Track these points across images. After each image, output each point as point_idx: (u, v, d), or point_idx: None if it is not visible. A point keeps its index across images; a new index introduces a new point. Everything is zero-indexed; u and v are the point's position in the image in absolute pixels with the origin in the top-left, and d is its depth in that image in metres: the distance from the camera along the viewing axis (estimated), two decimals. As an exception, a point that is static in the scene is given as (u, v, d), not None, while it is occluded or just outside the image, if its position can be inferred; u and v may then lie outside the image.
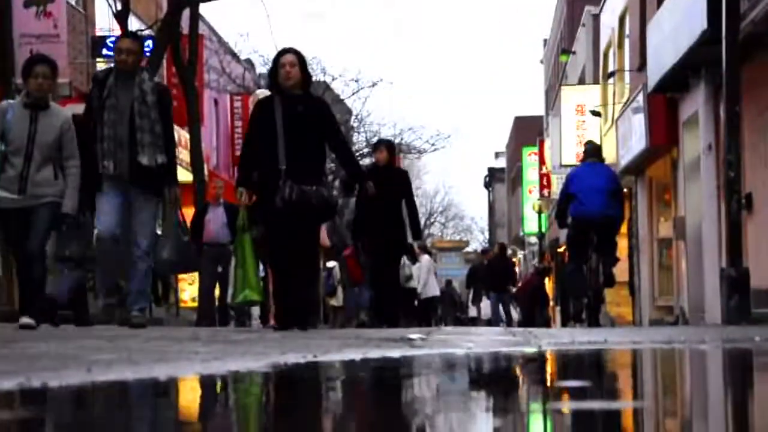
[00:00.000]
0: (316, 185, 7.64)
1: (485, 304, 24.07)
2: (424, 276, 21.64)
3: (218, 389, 3.55)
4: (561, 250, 31.56)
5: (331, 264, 24.14)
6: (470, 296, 28.64)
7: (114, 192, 7.77)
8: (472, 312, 28.71)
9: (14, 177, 7.36)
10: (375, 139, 33.12)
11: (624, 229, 21.41)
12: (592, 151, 12.02)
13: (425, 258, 22.50)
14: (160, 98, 7.85)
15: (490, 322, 23.10)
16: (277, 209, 7.54)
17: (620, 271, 21.51)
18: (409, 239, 11.23)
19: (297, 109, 7.73)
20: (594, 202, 11.25)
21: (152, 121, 7.73)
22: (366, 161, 36.97)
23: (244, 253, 8.86)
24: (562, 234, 22.76)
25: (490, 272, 21.94)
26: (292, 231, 7.56)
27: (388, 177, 10.52)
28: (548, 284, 34.76)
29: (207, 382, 3.61)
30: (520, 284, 27.46)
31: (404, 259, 19.83)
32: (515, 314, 24.32)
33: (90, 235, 8.80)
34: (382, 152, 10.95)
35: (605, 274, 11.43)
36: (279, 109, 7.70)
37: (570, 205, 11.50)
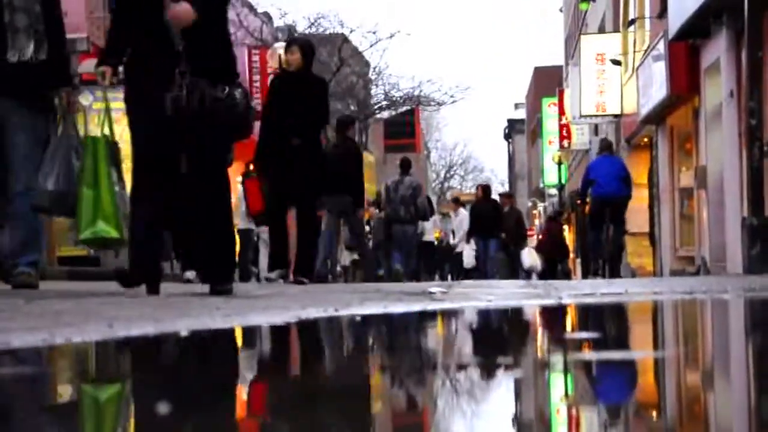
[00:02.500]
0: (228, 85, 5.41)
1: (467, 253, 21.39)
2: (465, 228, 21.39)
3: (240, 342, 3.57)
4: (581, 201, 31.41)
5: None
6: None
7: None
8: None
9: None
10: (393, 92, 33.31)
11: (645, 179, 21.46)
12: (606, 146, 16.50)
13: (462, 211, 22.41)
14: None
15: (468, 273, 20.40)
16: (161, 117, 5.28)
17: (641, 222, 21.55)
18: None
19: None
20: (610, 186, 15.31)
21: None
22: (384, 114, 36.93)
23: (96, 167, 5.74)
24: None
25: (474, 217, 19.78)
26: (186, 155, 5.47)
27: (299, 86, 8.52)
28: (568, 235, 34.62)
29: (228, 336, 3.63)
30: (540, 236, 27.03)
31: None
32: (527, 261, 22.84)
33: None
34: (293, 53, 8.87)
35: (616, 243, 15.69)
36: None
37: (590, 188, 15.57)
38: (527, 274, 22.16)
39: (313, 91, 8.75)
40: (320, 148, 8.90)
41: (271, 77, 11.33)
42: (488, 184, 24.02)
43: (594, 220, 15.97)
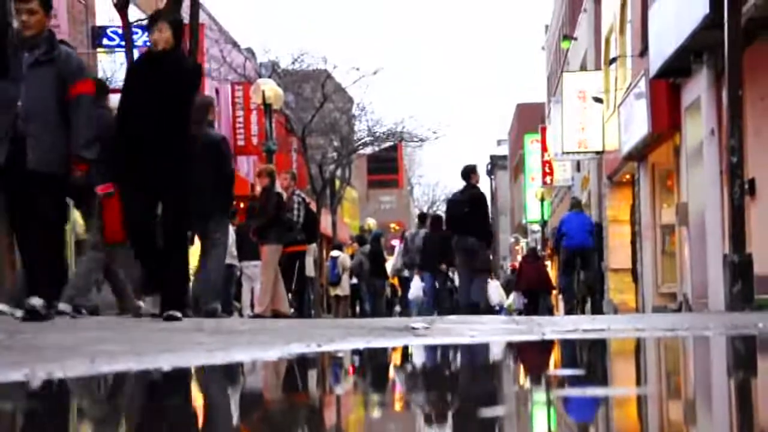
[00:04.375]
0: None
1: (416, 284, 20.13)
2: None
3: (223, 378, 3.55)
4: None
5: (335, 253, 24.17)
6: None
7: None
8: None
9: None
10: (376, 128, 33.47)
11: (627, 216, 21.60)
12: (575, 204, 20.18)
13: None
14: None
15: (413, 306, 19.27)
16: None
17: (623, 258, 21.60)
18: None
19: None
20: (579, 238, 18.59)
21: None
22: (367, 150, 36.98)
23: None
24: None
25: (424, 249, 18.08)
26: None
27: (168, 70, 7.04)
28: (551, 271, 34.61)
29: (210, 372, 3.61)
30: (516, 268, 26.48)
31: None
32: (494, 298, 21.63)
33: None
34: (162, 31, 7.15)
35: (587, 285, 19.25)
36: None
37: (563, 239, 18.77)
38: (500, 309, 21.79)
39: (184, 77, 7.18)
40: (190, 146, 7.30)
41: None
42: (439, 215, 23.06)
43: (566, 267, 19.11)
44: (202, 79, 8.23)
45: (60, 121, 6.66)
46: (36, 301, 6.48)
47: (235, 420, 2.56)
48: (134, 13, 18.50)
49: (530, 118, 50.02)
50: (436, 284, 18.22)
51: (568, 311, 19.53)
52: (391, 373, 3.88)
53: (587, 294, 19.69)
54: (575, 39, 29.97)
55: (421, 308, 18.15)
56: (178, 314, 6.96)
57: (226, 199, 10.33)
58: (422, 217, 19.58)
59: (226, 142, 10.93)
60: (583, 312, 19.52)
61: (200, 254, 9.99)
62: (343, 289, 23.40)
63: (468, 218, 13.73)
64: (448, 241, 17.90)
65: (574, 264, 18.88)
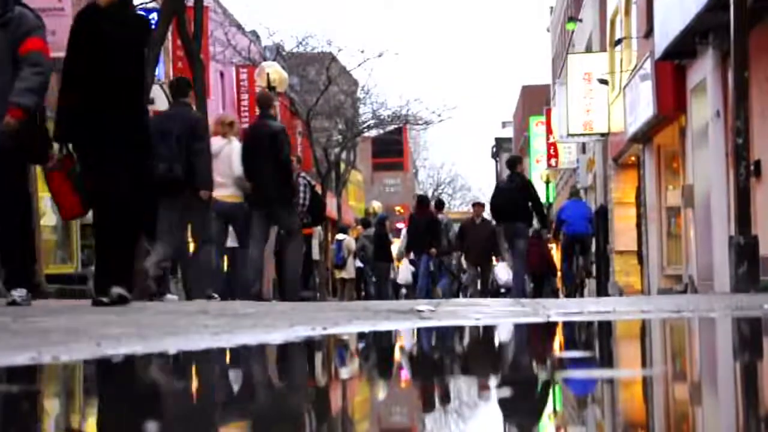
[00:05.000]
0: None
1: (404, 267, 20.38)
2: None
3: (228, 362, 3.56)
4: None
5: (340, 236, 24.18)
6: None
7: None
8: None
9: None
10: (381, 111, 33.41)
11: (632, 198, 21.62)
12: (574, 193, 22.04)
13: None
14: None
15: (408, 289, 19.31)
16: None
17: (628, 240, 21.60)
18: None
19: None
20: (578, 225, 19.98)
21: None
22: (372, 133, 36.94)
23: None
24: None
25: (413, 230, 18.40)
26: None
27: (115, 28, 6.38)
28: (555, 254, 34.66)
29: (217, 355, 3.62)
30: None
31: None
32: (503, 277, 20.74)
33: None
34: None
35: (585, 269, 20.91)
36: None
37: (562, 226, 20.14)
38: (507, 290, 21.51)
39: (134, 35, 6.47)
40: (146, 113, 6.72)
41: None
42: (425, 195, 23.12)
43: (565, 253, 20.55)
44: (152, 33, 7.67)
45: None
46: (18, 293, 6.13)
47: (237, 402, 2.56)
48: (138, -4, 18.42)
49: (535, 100, 49.89)
50: (431, 266, 18.31)
51: (568, 294, 20.66)
52: (397, 355, 3.89)
53: (585, 277, 21.13)
54: (580, 20, 29.84)
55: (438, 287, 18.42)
56: (126, 293, 6.28)
57: (286, 188, 10.44)
58: (438, 202, 20.78)
59: (285, 132, 10.93)
60: (582, 295, 20.58)
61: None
62: (349, 272, 23.42)
63: (518, 205, 14.55)
64: (435, 224, 18.22)
65: (573, 250, 20.26)
